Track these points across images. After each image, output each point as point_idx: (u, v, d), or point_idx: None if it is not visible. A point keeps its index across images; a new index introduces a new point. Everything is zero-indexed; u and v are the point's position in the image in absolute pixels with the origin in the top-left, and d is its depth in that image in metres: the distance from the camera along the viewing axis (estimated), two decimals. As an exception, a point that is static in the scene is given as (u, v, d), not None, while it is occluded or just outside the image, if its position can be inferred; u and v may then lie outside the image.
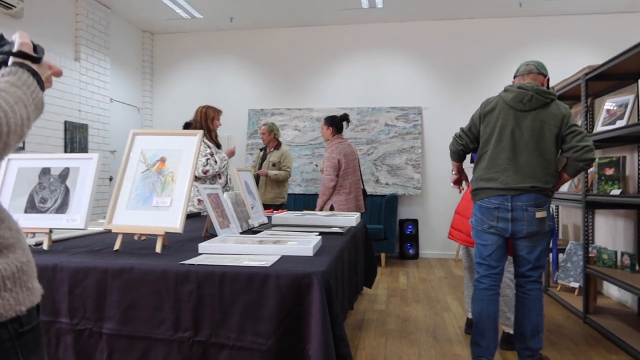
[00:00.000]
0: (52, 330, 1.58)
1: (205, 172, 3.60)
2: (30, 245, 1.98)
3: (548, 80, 2.62)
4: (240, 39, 6.78)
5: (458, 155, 2.73)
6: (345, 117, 4.25)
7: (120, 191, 1.91)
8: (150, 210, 1.86)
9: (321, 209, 4.21)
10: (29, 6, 4.67)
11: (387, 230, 5.75)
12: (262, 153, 5.36)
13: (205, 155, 3.63)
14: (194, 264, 1.56)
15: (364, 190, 4.42)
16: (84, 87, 5.43)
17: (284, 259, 1.68)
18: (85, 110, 5.44)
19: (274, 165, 5.07)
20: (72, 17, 5.34)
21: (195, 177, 3.62)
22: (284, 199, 5.12)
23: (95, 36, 5.61)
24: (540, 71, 2.58)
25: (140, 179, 1.93)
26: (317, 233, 2.32)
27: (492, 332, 2.50)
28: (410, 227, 6.22)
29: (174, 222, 1.82)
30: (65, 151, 5.10)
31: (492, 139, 2.52)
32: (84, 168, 1.94)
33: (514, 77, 2.66)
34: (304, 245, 1.82)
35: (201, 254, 1.78)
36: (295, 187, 6.45)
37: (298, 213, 3.32)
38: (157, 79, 6.98)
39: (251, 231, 2.46)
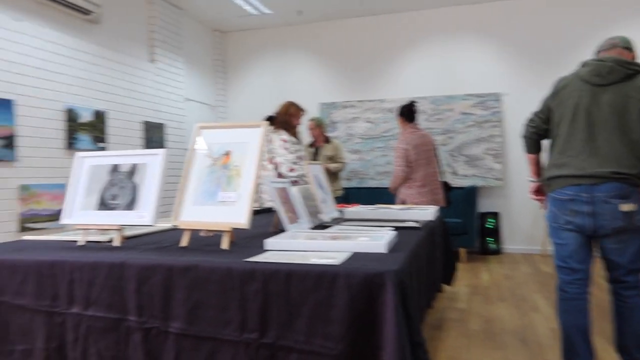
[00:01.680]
0: (122, 328, 1.56)
1: (291, 170, 3.55)
2: (104, 242, 2.01)
3: (634, 58, 2.25)
4: (309, 32, 6.72)
5: (532, 143, 2.36)
6: (410, 105, 4.03)
7: (186, 186, 1.87)
8: (216, 206, 1.80)
9: (395, 190, 4.08)
10: (106, 11, 4.88)
11: (466, 224, 5.44)
12: (312, 148, 5.42)
13: (293, 153, 3.60)
14: (259, 262, 1.47)
15: (445, 183, 4.19)
16: (160, 88, 5.61)
17: (355, 256, 1.55)
18: (161, 110, 5.62)
19: (330, 158, 5.21)
20: (145, 20, 5.52)
21: (279, 174, 3.61)
22: (341, 190, 5.34)
23: (168, 37, 5.78)
24: (626, 46, 2.21)
25: (206, 173, 1.88)
26: (392, 228, 2.17)
27: (584, 347, 2.14)
28: (491, 220, 5.85)
29: (240, 218, 1.74)
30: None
31: (566, 118, 2.16)
32: (151, 164, 1.92)
33: (596, 52, 2.32)
34: (377, 241, 1.67)
35: (268, 250, 1.69)
36: (368, 180, 6.29)
37: (371, 207, 3.18)
38: (230, 77, 7.10)
39: (322, 226, 2.36)
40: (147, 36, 5.52)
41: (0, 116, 3.74)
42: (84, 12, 4.49)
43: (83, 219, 1.93)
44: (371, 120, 6.37)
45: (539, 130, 2.33)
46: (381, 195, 6.18)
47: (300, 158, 3.71)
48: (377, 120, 6.34)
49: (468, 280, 4.50)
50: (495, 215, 5.87)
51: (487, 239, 5.86)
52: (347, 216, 2.84)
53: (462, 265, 5.25)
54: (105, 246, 1.88)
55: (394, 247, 1.73)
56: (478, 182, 5.87)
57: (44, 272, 1.67)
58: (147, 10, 5.54)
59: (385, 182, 6.18)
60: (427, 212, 2.72)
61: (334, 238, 1.79)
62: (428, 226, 2.47)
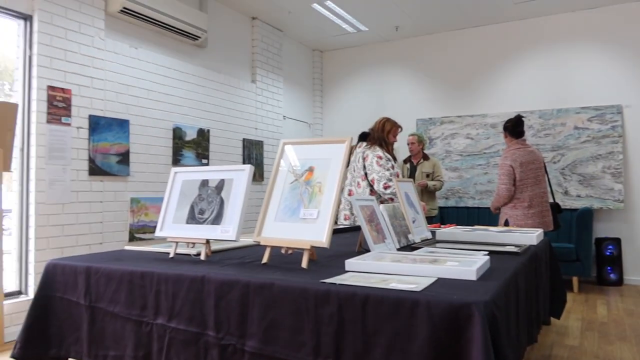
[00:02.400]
0: (201, 342, 1.57)
1: (386, 187, 3.46)
2: (192, 255, 2.07)
3: None
4: (407, 47, 6.61)
5: None
6: (517, 119, 3.73)
7: (269, 202, 1.87)
8: (297, 223, 1.77)
9: (496, 209, 3.81)
10: (211, 36, 5.18)
11: (579, 250, 4.92)
12: (409, 164, 5.31)
13: (389, 170, 3.52)
14: (334, 283, 1.40)
15: (555, 205, 3.83)
16: (260, 107, 5.82)
17: (440, 282, 1.42)
18: (260, 128, 5.82)
19: (427, 176, 5.09)
20: (248, 42, 5.79)
21: (371, 190, 3.54)
22: (437, 210, 5.18)
23: (269, 58, 6.00)
24: None
25: (289, 189, 1.86)
26: (486, 252, 1.98)
27: None
28: (610, 247, 5.24)
29: (320, 236, 1.69)
30: (244, 166, 5.49)
31: None
32: (237, 179, 1.94)
33: None
34: (466, 266, 1.53)
35: (347, 271, 1.62)
36: (467, 199, 5.97)
37: (467, 228, 2.97)
38: (327, 94, 7.19)
39: (410, 247, 2.23)
40: (249, 58, 5.78)
41: (118, 135, 4.09)
42: (193, 37, 4.80)
43: (174, 232, 2.00)
44: (471, 136, 6.06)
45: None
46: (481, 216, 5.83)
47: (395, 175, 3.61)
48: (478, 137, 6.02)
49: (581, 314, 4.03)
50: (615, 241, 5.25)
51: (606, 267, 5.25)
52: (439, 237, 2.68)
53: (574, 296, 4.74)
54: (192, 259, 1.93)
55: (487, 275, 1.57)
56: (594, 204, 5.31)
57: (136, 282, 1.74)
58: (250, 33, 5.80)
59: (487, 202, 5.83)
60: (530, 236, 2.47)
61: (420, 261, 1.67)
62: (530, 251, 2.23)
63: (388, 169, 3.54)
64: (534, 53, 5.84)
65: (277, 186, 1.90)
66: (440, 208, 5.93)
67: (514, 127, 3.72)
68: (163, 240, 4.12)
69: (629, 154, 5.33)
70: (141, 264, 1.85)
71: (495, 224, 5.36)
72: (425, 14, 5.74)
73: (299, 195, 1.83)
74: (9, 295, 3.44)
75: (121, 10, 4.08)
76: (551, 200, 3.80)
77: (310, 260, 1.77)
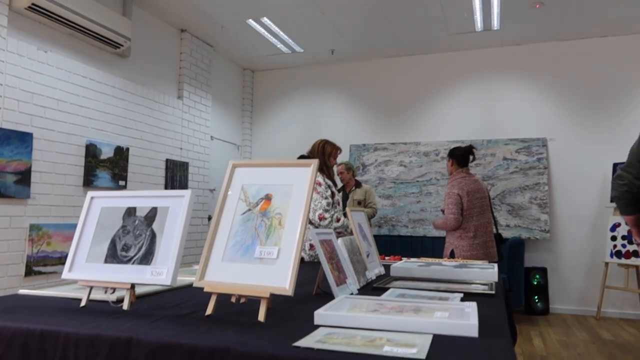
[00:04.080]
0: None
1: (321, 219, 3.16)
2: (111, 302, 1.65)
3: None
4: (342, 71, 6.50)
5: (626, 203, 2.03)
6: (469, 149, 3.66)
7: (215, 237, 1.51)
8: (252, 264, 1.43)
9: (438, 227, 3.67)
10: (135, 45, 4.71)
11: (511, 280, 4.94)
12: (341, 193, 5.17)
13: (327, 198, 3.23)
14: (312, 349, 1.08)
15: (498, 235, 3.76)
16: (186, 125, 5.38)
17: (439, 341, 1.15)
18: (186, 148, 5.37)
19: (359, 203, 4.96)
20: (176, 55, 5.37)
21: (310, 221, 3.24)
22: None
23: (197, 74, 5.60)
24: None
25: (240, 222, 1.52)
26: (460, 294, 1.76)
27: None
28: (537, 276, 5.34)
29: (282, 281, 1.36)
30: (166, 189, 4.99)
31: None
32: (174, 208, 1.57)
33: None
34: (462, 320, 1.27)
35: (319, 326, 1.30)
36: (400, 228, 5.87)
37: (420, 262, 2.77)
38: (257, 116, 6.87)
39: (372, 287, 1.96)
40: (176, 72, 5.34)
41: (18, 150, 3.49)
42: (114, 45, 4.31)
43: (88, 273, 1.58)
44: (404, 163, 6.01)
45: (631, 188, 1.97)
46: (414, 245, 5.74)
47: (334, 204, 3.35)
48: (411, 164, 5.98)
49: (520, 347, 3.97)
50: (542, 270, 5.36)
51: (533, 297, 5.32)
52: (393, 273, 2.43)
53: (509, 326, 4.72)
54: (111, 309, 1.51)
55: (483, 327, 1.32)
56: (522, 234, 5.40)
57: (32, 345, 1.29)
58: (178, 46, 5.38)
59: (419, 231, 5.76)
60: (490, 272, 2.30)
61: (400, 310, 1.39)
62: (499, 290, 2.05)
63: (326, 197, 3.27)
64: (467, 84, 5.95)
65: (224, 217, 1.55)
66: (374, 236, 5.77)
67: (463, 156, 3.63)
68: (72, 281, 3.53)
69: (553, 185, 5.51)
70: (41, 317, 1.40)
71: (431, 253, 5.29)
72: (361, 39, 5.66)
73: (254, 229, 1.49)
74: None
75: (29, 7, 3.54)
76: (495, 231, 3.73)
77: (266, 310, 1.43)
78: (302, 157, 4.12)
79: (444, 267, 2.48)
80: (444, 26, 5.25)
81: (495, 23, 5.15)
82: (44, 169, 3.72)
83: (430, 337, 1.19)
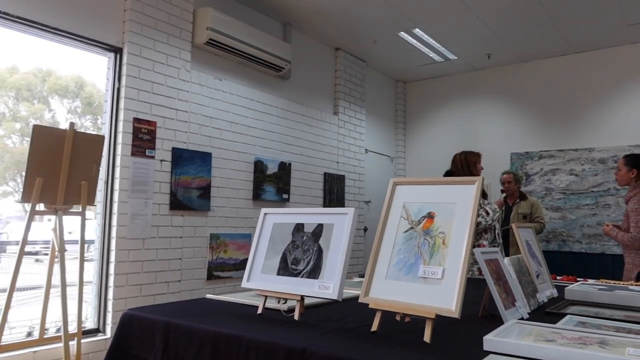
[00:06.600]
0: None
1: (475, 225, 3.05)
2: (283, 311, 1.78)
3: None
4: (499, 76, 6.14)
5: None
6: None
7: (378, 255, 1.54)
8: (415, 282, 1.42)
9: (623, 241, 3.23)
10: (295, 67, 5.04)
11: None
12: (503, 206, 4.84)
13: (491, 213, 3.13)
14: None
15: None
16: (341, 140, 5.57)
17: (635, 384, 1.01)
18: (342, 162, 5.56)
19: (524, 217, 4.56)
20: (331, 73, 5.61)
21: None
22: None
23: (352, 90, 5.78)
24: None
25: (403, 240, 1.52)
26: (656, 327, 1.52)
27: None
28: None
29: (448, 302, 1.33)
30: (324, 202, 5.23)
31: None
32: (339, 225, 1.64)
33: None
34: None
35: (489, 352, 1.24)
36: (573, 244, 5.31)
37: (602, 285, 2.47)
38: (410, 127, 6.84)
39: (544, 312, 1.81)
40: (332, 89, 5.59)
41: (200, 168, 3.97)
42: (277, 69, 4.67)
43: (263, 284, 1.72)
44: (576, 172, 5.43)
45: None
46: (590, 263, 5.14)
47: (497, 221, 3.18)
48: (584, 173, 5.38)
49: None
50: None
51: None
52: (568, 296, 2.21)
53: None
54: (284, 318, 1.63)
55: (692, 371, 1.12)
56: None
57: (220, 346, 1.46)
58: (333, 64, 5.63)
59: (595, 247, 5.14)
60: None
61: (582, 342, 1.26)
62: None
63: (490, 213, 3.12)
64: (651, 80, 5.18)
65: (387, 235, 1.57)
66: (542, 252, 5.31)
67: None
68: (248, 289, 3.90)
69: None
70: (226, 322, 1.57)
71: (611, 275, 4.69)
72: (522, 39, 5.29)
73: (417, 248, 1.48)
74: (87, 333, 3.32)
75: (207, 42, 4.02)
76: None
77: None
78: (447, 172, 3.99)
79: (633, 293, 2.17)
80: (620, 16, 4.65)
81: (690, 6, 4.40)
82: (220, 184, 4.17)
83: (623, 377, 1.05)
